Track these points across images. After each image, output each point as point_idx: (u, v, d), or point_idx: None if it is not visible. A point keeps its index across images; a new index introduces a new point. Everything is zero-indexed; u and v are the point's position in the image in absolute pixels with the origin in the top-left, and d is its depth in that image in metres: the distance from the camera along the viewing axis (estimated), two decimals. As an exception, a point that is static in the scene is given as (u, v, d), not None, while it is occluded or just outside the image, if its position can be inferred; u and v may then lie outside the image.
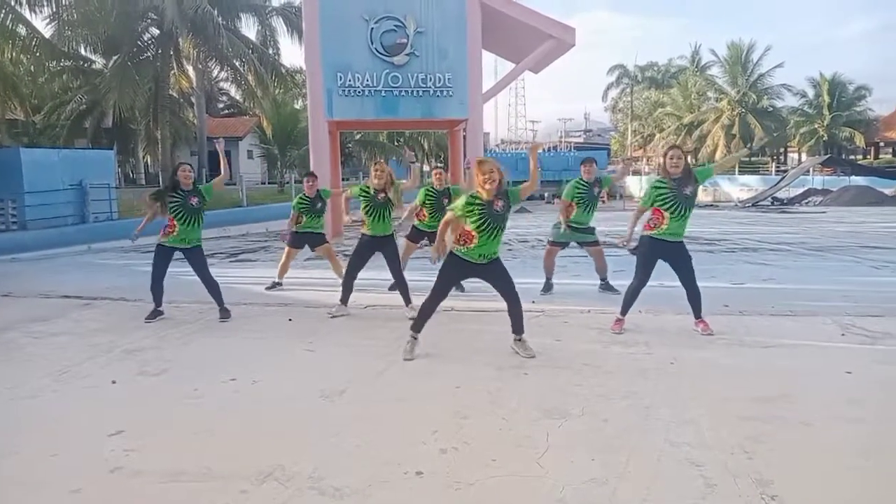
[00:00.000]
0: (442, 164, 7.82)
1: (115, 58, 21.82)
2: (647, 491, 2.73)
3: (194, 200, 5.99)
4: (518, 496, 2.74)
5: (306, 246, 7.88)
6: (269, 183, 34.33)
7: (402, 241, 7.44)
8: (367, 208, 6.12)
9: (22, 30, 18.37)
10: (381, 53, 12.62)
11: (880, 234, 14.12)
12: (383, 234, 6.18)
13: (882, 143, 46.15)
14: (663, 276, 5.60)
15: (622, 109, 58.00)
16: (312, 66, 12.89)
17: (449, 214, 4.69)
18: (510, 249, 11.76)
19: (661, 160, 5.43)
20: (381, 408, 3.80)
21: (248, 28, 24.94)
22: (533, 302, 6.53)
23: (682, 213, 5.21)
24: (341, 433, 3.40)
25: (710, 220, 19.41)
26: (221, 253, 11.63)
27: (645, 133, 54.12)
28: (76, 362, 4.73)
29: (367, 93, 12.73)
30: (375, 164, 6.39)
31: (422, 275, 7.04)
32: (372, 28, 12.54)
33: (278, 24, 24.62)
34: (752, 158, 45.86)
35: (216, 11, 21.51)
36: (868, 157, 45.67)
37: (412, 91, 12.79)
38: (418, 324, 4.82)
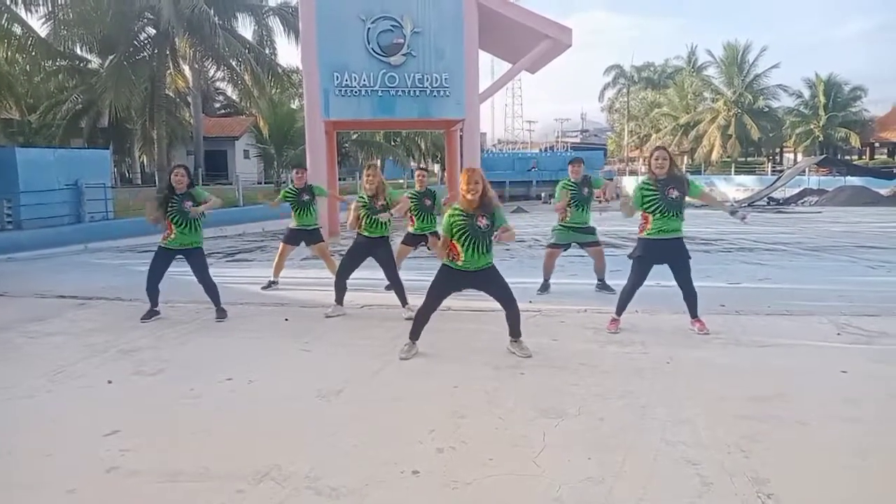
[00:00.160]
0: (424, 167, 7.82)
1: (111, 57, 21.75)
2: (644, 490, 2.73)
3: (187, 205, 5.97)
4: (514, 495, 2.74)
5: (302, 245, 7.88)
6: (265, 183, 34.26)
7: (396, 244, 7.44)
8: (364, 215, 6.14)
9: (17, 29, 18.31)
10: (377, 53, 12.61)
11: (876, 233, 14.16)
12: (379, 235, 6.17)
13: (877, 144, 46.30)
14: (660, 276, 5.61)
15: (619, 110, 58.07)
16: (309, 66, 12.88)
17: (443, 237, 4.67)
18: (507, 249, 11.76)
19: (648, 161, 5.42)
20: (378, 407, 3.80)
21: (245, 28, 24.90)
22: (530, 302, 6.54)
23: (666, 215, 5.19)
24: (338, 433, 3.40)
25: (706, 219, 19.42)
26: (218, 253, 11.61)
27: (641, 133, 54.19)
28: (72, 362, 4.72)
29: (363, 93, 12.73)
30: (368, 167, 6.39)
31: (417, 274, 7.04)
32: (369, 28, 12.54)
33: (275, 23, 24.57)
34: (749, 159, 45.99)
35: (212, 11, 21.45)
36: (863, 157, 45.85)
37: (409, 91, 12.79)
38: (415, 331, 4.83)
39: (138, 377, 4.41)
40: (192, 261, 6.12)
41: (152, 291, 6.09)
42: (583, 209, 6.97)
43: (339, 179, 25.18)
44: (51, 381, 4.31)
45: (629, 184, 37.35)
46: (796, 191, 30.27)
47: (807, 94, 43.94)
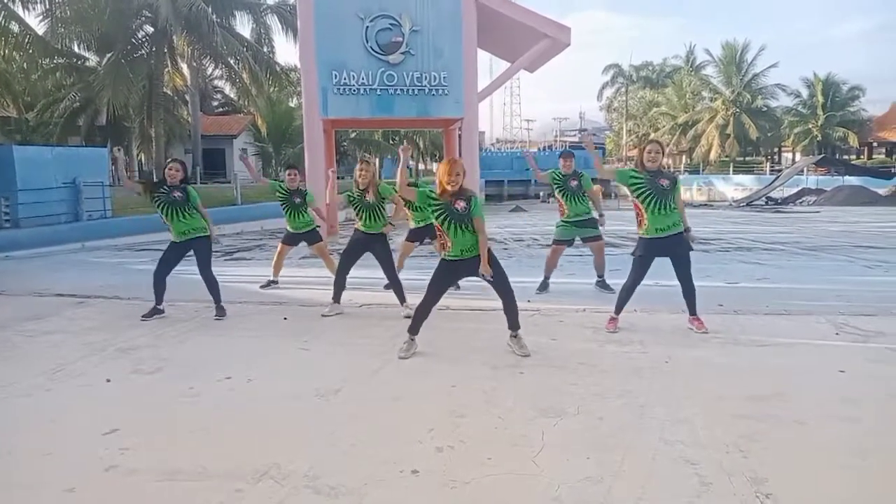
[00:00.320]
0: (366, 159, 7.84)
1: (108, 55, 21.74)
2: (642, 489, 2.74)
3: (177, 194, 5.96)
4: (513, 495, 2.74)
5: (301, 244, 7.87)
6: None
7: (400, 241, 7.45)
8: (357, 209, 6.15)
9: (15, 27, 18.28)
10: (376, 52, 12.62)
11: (874, 233, 14.19)
12: (375, 231, 6.18)
13: (875, 144, 46.41)
14: (659, 275, 5.61)
15: (617, 109, 58.11)
16: (307, 65, 12.88)
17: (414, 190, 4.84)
18: (506, 249, 11.77)
19: (639, 153, 5.37)
20: (377, 406, 3.80)
21: (243, 26, 24.89)
22: (528, 301, 6.54)
23: (660, 205, 5.16)
24: (337, 432, 3.40)
25: (704, 219, 19.46)
26: (216, 251, 11.55)
27: (640, 132, 54.21)
28: (70, 361, 4.71)
29: (362, 91, 12.73)
30: (361, 160, 6.39)
31: (417, 273, 7.04)
32: (367, 26, 12.54)
33: (273, 21, 24.56)
34: (747, 158, 46.04)
35: (210, 9, 21.43)
36: (862, 157, 45.94)
37: (407, 90, 12.80)
38: (414, 326, 4.83)
39: (137, 376, 4.41)
40: (196, 251, 6.10)
41: (159, 284, 6.07)
42: (576, 200, 6.95)
43: (338, 178, 25.15)
44: (49, 379, 4.30)
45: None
46: (794, 190, 30.36)
47: (805, 93, 44.03)
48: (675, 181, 5.31)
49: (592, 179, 7.29)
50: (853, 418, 3.52)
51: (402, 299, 6.12)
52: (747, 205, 28.54)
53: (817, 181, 32.13)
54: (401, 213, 6.96)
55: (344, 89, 12.68)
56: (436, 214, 4.61)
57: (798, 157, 44.05)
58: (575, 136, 72.77)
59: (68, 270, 9.52)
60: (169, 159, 6.32)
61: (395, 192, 7.17)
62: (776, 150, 50.30)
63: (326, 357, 4.92)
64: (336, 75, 12.60)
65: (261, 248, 12.15)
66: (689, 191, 35.57)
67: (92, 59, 23.82)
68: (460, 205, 4.53)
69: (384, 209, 6.26)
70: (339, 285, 6.25)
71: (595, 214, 7.05)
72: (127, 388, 4.17)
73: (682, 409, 3.63)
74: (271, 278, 7.70)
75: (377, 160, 35.92)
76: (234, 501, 2.67)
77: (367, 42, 12.56)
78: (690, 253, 5.39)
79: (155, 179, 7.15)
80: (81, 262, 10.59)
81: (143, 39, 22.42)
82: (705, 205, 30.21)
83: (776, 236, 13.84)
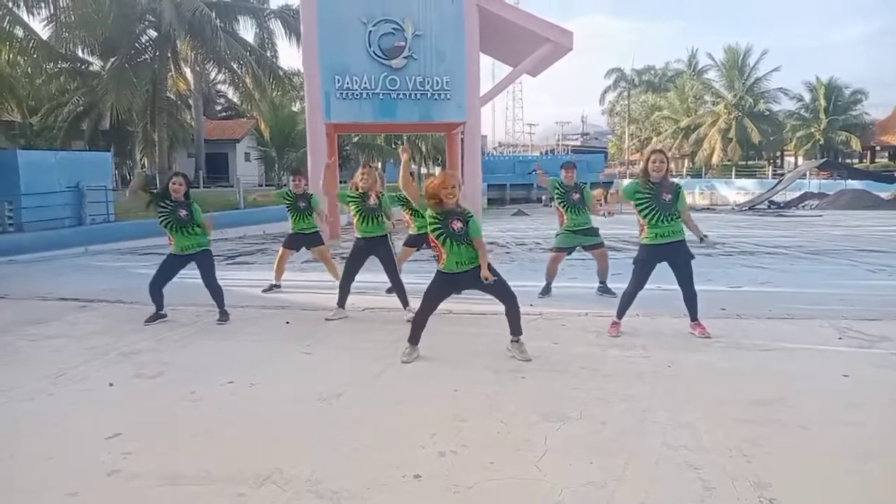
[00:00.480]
0: (432, 174, 7.87)
1: (112, 60, 21.81)
2: (646, 494, 2.73)
3: (182, 212, 5.97)
4: (516, 499, 2.74)
5: (303, 248, 7.88)
6: (266, 185, 34.31)
7: (399, 246, 7.43)
8: (357, 211, 6.14)
9: (19, 31, 18.37)
10: (378, 56, 12.63)
11: (877, 237, 14.16)
12: (375, 234, 6.16)
13: (878, 147, 46.35)
14: (661, 280, 5.61)
15: (619, 113, 58.12)
16: (310, 69, 12.90)
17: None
18: (508, 252, 11.77)
19: (644, 163, 5.37)
20: (380, 411, 3.80)
21: (246, 30, 24.96)
22: (531, 305, 6.53)
23: (660, 218, 5.18)
24: (339, 436, 3.39)
25: (706, 223, 19.41)
26: (219, 255, 11.58)
27: (642, 137, 54.26)
28: (73, 365, 4.72)
29: (364, 95, 12.75)
30: (364, 165, 6.39)
31: (417, 278, 7.04)
32: (370, 31, 12.56)
33: (276, 26, 24.63)
34: (749, 162, 46.01)
35: (214, 14, 21.52)
36: (864, 160, 45.87)
37: (410, 94, 12.81)
38: (414, 335, 4.83)
39: (139, 380, 4.41)
40: (199, 263, 6.11)
41: (156, 294, 6.08)
42: (578, 211, 6.95)
43: (340, 182, 25.17)
44: (52, 384, 4.31)
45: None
46: (797, 194, 30.31)
47: (807, 97, 44.00)
48: (677, 194, 5.26)
49: (592, 184, 7.28)
50: (857, 423, 3.51)
51: (405, 303, 6.12)
52: (750, 209, 28.50)
53: (820, 185, 32.10)
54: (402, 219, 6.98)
55: (347, 93, 12.70)
56: (432, 229, 4.58)
57: (800, 160, 44.00)
58: (577, 139, 72.83)
59: (71, 274, 9.54)
60: (172, 173, 6.32)
61: (401, 205, 7.22)
62: (778, 154, 50.26)
63: (329, 361, 4.92)
64: (339, 79, 12.62)
65: (263, 253, 12.16)
66: (692, 195, 35.48)
67: (96, 64, 23.90)
68: (457, 225, 4.51)
69: (383, 216, 6.23)
70: (345, 290, 6.25)
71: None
72: (129, 393, 4.17)
73: (685, 414, 3.62)
74: (273, 282, 7.71)
75: (380, 164, 35.98)
76: (236, 506, 2.67)
77: (370, 46, 12.59)
78: (692, 257, 5.38)
79: (156, 189, 7.12)
80: (84, 265, 10.61)
81: (147, 44, 22.51)
82: (708, 209, 30.18)
83: (779, 240, 13.81)
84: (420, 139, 37.44)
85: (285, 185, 7.64)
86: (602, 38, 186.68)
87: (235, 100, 33.92)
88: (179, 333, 5.71)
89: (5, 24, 17.60)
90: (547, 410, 3.70)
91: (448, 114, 13.11)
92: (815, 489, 2.80)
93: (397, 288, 6.18)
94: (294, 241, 7.70)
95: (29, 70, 20.94)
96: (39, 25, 20.03)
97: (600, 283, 7.22)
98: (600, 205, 7.12)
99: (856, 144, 42.52)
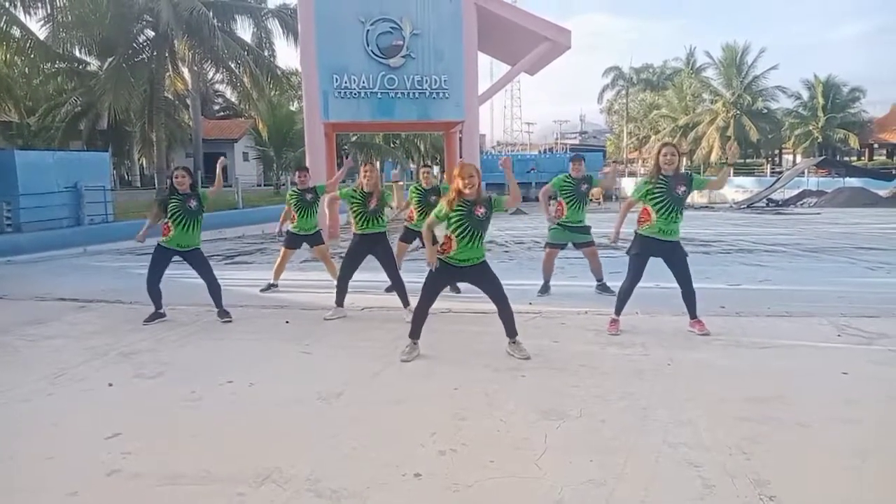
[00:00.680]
0: (429, 164, 7.93)
1: (110, 60, 21.74)
2: (645, 492, 2.73)
3: (192, 203, 5.99)
4: (516, 497, 2.74)
5: (303, 247, 7.88)
6: (264, 185, 34.33)
7: (394, 243, 7.43)
8: (357, 212, 6.13)
9: (16, 31, 18.30)
10: (376, 55, 12.62)
11: (875, 235, 14.17)
12: (374, 231, 6.17)
13: (876, 145, 46.39)
14: (660, 278, 5.61)
15: (618, 111, 58.11)
16: (308, 68, 12.89)
17: (431, 218, 4.69)
18: (506, 251, 11.77)
19: (655, 157, 5.40)
20: (379, 410, 3.80)
21: (244, 30, 24.87)
22: (530, 304, 6.54)
23: (671, 212, 5.20)
24: (339, 435, 3.39)
25: (705, 221, 19.44)
26: (217, 255, 11.60)
27: (640, 135, 54.24)
28: (72, 365, 4.71)
29: (362, 95, 12.73)
30: (365, 164, 6.39)
31: (417, 276, 7.03)
32: (368, 30, 12.55)
33: (274, 25, 24.55)
34: (748, 160, 46.03)
35: (211, 13, 21.44)
36: (862, 158, 45.92)
37: (408, 93, 12.80)
38: (414, 330, 4.84)
39: (139, 380, 4.41)
40: (192, 261, 6.11)
41: (153, 291, 6.08)
42: (578, 207, 6.99)
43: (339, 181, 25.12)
44: (51, 384, 4.31)
45: (628, 185, 37.40)
46: (795, 192, 30.31)
47: (805, 95, 44.02)
48: (691, 181, 5.30)
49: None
50: (856, 420, 3.51)
51: (405, 302, 6.11)
52: (748, 207, 28.49)
53: (818, 183, 32.10)
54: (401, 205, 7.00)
55: (345, 93, 12.69)
56: (454, 220, 4.54)
57: (799, 158, 44.02)
58: (576, 138, 72.81)
59: (70, 275, 9.53)
60: (174, 167, 6.31)
61: (416, 200, 7.26)
62: (777, 151, 50.29)
63: (328, 360, 4.92)
64: (337, 79, 12.61)
65: (262, 252, 12.16)
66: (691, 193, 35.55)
67: (93, 64, 23.81)
68: (480, 211, 4.54)
69: (383, 215, 6.25)
70: (342, 290, 6.25)
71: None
72: (129, 393, 4.17)
73: (685, 412, 3.63)
74: (271, 282, 7.70)
75: (378, 163, 35.96)
76: (236, 505, 2.67)
77: (368, 46, 12.58)
78: (689, 256, 5.39)
79: (157, 188, 7.08)
80: (83, 266, 10.60)
81: (145, 44, 22.43)
82: (706, 207, 30.19)
83: (777, 238, 13.82)
84: (418, 138, 37.47)
85: (284, 184, 7.63)
86: (601, 37, 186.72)
87: (233, 99, 33.90)
88: (178, 333, 5.70)
89: (2, 23, 17.52)
90: (546, 408, 3.70)
91: (446, 113, 13.10)
92: (814, 486, 2.81)
93: (397, 286, 6.18)
94: (294, 241, 7.70)
95: (26, 70, 20.85)
96: (36, 25, 19.95)
97: (598, 281, 7.23)
98: (598, 203, 7.15)
99: (854, 142, 42.56)
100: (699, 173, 36.30)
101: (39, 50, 19.14)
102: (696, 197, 36.24)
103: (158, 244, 6.09)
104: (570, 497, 2.70)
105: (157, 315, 6.09)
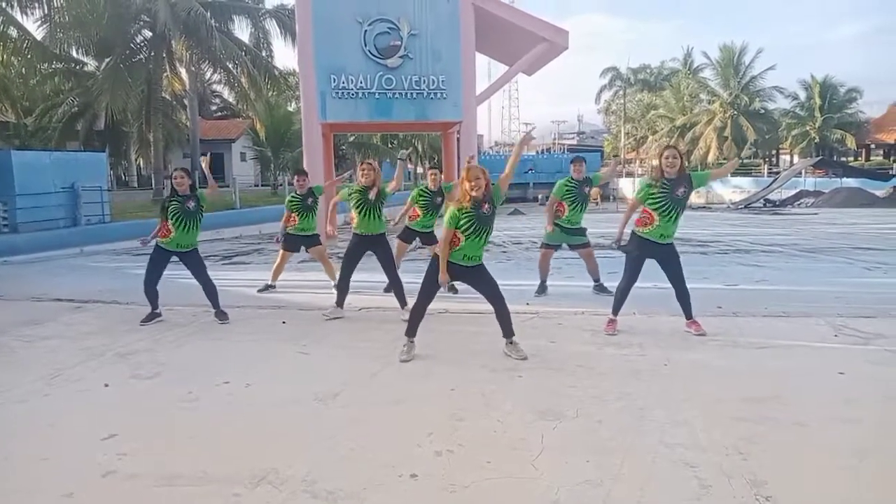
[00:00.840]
0: (437, 166, 7.91)
1: (107, 60, 21.71)
2: (642, 492, 2.73)
3: (191, 204, 5.98)
4: (513, 498, 2.74)
5: (301, 248, 7.86)
6: (262, 185, 34.23)
7: (394, 242, 7.43)
8: (359, 207, 6.14)
9: (13, 32, 18.27)
10: (374, 56, 12.61)
11: (872, 235, 14.20)
12: (374, 232, 6.17)
13: (873, 145, 46.46)
14: (657, 278, 5.62)
15: (615, 112, 58.09)
16: (305, 69, 12.87)
17: (446, 232, 4.68)
18: (504, 251, 11.77)
19: (657, 160, 5.42)
20: (376, 410, 3.79)
21: (241, 30, 24.84)
22: (527, 304, 6.54)
23: (672, 214, 5.22)
24: (336, 436, 3.39)
25: (702, 221, 19.47)
26: (215, 255, 11.59)
27: (638, 135, 54.25)
28: (68, 366, 4.70)
29: (360, 95, 12.71)
30: (364, 162, 6.40)
31: (415, 276, 7.03)
32: (365, 30, 12.53)
33: (271, 26, 24.51)
34: (745, 161, 46.06)
35: (209, 14, 21.41)
36: (859, 158, 45.99)
37: (406, 93, 12.79)
38: (411, 328, 4.84)
39: (135, 381, 4.40)
40: (189, 262, 6.11)
41: (151, 292, 6.07)
42: (579, 209, 7.00)
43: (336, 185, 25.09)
44: (47, 384, 4.29)
45: (626, 185, 37.46)
46: (792, 192, 30.37)
47: (802, 95, 44.04)
48: (690, 182, 5.31)
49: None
50: (853, 420, 3.52)
51: (402, 302, 6.10)
52: (745, 207, 28.56)
53: (815, 183, 32.16)
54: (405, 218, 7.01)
55: (342, 93, 12.67)
56: (465, 224, 4.56)
57: (796, 159, 44.08)
58: (573, 138, 72.83)
59: (66, 275, 9.51)
60: (174, 168, 6.30)
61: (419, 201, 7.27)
62: (774, 152, 50.34)
63: (326, 361, 4.91)
64: (334, 79, 12.60)
65: (259, 253, 12.15)
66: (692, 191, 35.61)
67: (90, 64, 23.78)
68: (486, 207, 4.58)
69: (382, 211, 6.26)
70: (343, 290, 6.25)
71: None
72: (125, 393, 4.16)
73: (682, 412, 3.63)
74: (269, 283, 7.69)
75: (376, 163, 35.90)
76: (232, 506, 2.67)
77: (366, 46, 12.56)
78: (685, 258, 5.40)
79: (154, 188, 7.07)
80: (80, 266, 10.58)
81: (142, 44, 22.39)
82: (703, 207, 30.23)
83: (774, 238, 13.84)
84: (416, 138, 37.44)
85: (281, 185, 7.63)
86: (599, 37, 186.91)
87: (231, 100, 33.84)
88: (175, 334, 5.69)
89: (-1, 24, 17.52)
90: (543, 409, 3.70)
91: (444, 113, 13.09)
92: (811, 486, 2.81)
93: (395, 286, 6.18)
94: (293, 243, 7.69)
95: (23, 70, 20.82)
96: (33, 25, 19.93)
97: (595, 282, 7.24)
98: (595, 203, 7.16)
99: (851, 142, 42.57)
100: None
101: (36, 50, 19.12)
102: (693, 197, 36.28)
103: (157, 245, 6.09)
104: (566, 497, 2.70)
105: (153, 315, 6.08)
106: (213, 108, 42.98)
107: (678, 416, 3.56)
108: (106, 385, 4.28)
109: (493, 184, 4.66)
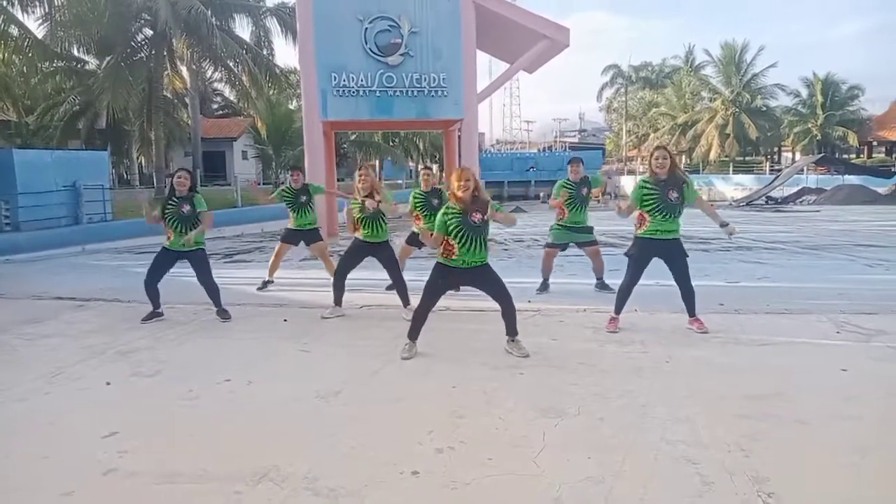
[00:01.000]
0: (429, 165, 7.87)
1: (108, 58, 21.71)
2: (644, 489, 2.72)
3: (185, 208, 5.95)
4: (514, 495, 2.73)
5: (301, 245, 7.85)
6: (263, 183, 34.21)
7: (399, 242, 7.42)
8: (361, 217, 6.08)
9: (14, 30, 18.29)
10: (375, 53, 12.61)
11: (874, 232, 14.17)
12: (378, 240, 6.11)
13: (875, 143, 46.39)
14: (659, 275, 5.60)
15: (617, 109, 58.04)
16: (307, 67, 12.88)
17: (436, 234, 4.66)
18: (506, 249, 11.76)
19: (648, 161, 5.40)
20: (377, 408, 3.79)
21: (242, 28, 24.83)
22: (529, 301, 6.53)
23: (664, 217, 5.19)
24: (337, 434, 3.38)
25: (704, 218, 19.41)
26: (216, 254, 11.59)
27: (639, 133, 54.20)
28: (69, 364, 4.70)
29: (361, 93, 12.72)
30: (360, 167, 6.33)
31: (418, 274, 7.02)
32: (366, 28, 12.54)
33: (272, 24, 24.50)
34: (747, 158, 46.02)
35: (210, 12, 21.40)
36: (861, 156, 45.90)
37: (407, 91, 12.79)
38: (413, 331, 4.83)
39: (136, 378, 4.40)
40: (193, 262, 6.10)
41: (151, 291, 6.06)
42: (580, 209, 6.99)
43: (338, 180, 25.15)
44: (48, 383, 4.29)
45: (627, 183, 37.38)
46: (794, 190, 30.31)
47: (804, 93, 43.98)
48: (683, 190, 5.20)
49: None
50: (855, 417, 3.50)
51: (405, 301, 6.07)
52: (747, 204, 28.49)
53: (817, 180, 32.11)
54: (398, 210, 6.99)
55: (343, 91, 12.68)
56: (450, 224, 4.54)
57: (798, 156, 44.00)
58: (575, 136, 72.80)
59: (68, 274, 9.51)
60: (177, 169, 6.30)
61: (417, 206, 7.23)
62: (776, 149, 50.26)
63: (327, 359, 4.90)
64: (335, 77, 12.60)
65: (260, 251, 12.14)
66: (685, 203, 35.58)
67: (91, 63, 23.77)
68: (477, 217, 4.51)
69: (385, 218, 6.16)
70: (339, 288, 6.22)
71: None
72: (126, 391, 4.16)
73: (684, 409, 3.62)
74: (267, 278, 7.67)
75: (377, 162, 35.90)
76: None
77: (367, 44, 12.56)
78: (686, 255, 5.37)
79: (155, 187, 7.09)
80: (81, 265, 10.59)
81: (143, 42, 22.39)
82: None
83: (776, 235, 13.82)
84: (417, 137, 37.42)
85: (283, 183, 7.62)
86: (600, 35, 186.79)
87: (232, 98, 33.80)
88: (176, 332, 5.69)
89: (0, 22, 17.52)
90: (545, 406, 3.70)
91: (445, 111, 13.09)
92: (813, 483, 2.80)
93: (399, 286, 6.12)
94: (293, 236, 7.67)
95: (24, 69, 20.83)
96: (34, 24, 19.93)
97: (598, 279, 7.23)
98: (598, 201, 7.13)
99: (853, 140, 42.52)
100: (698, 172, 36.21)
101: (37, 49, 19.12)
102: (695, 195, 36.20)
103: (163, 246, 6.10)
104: (568, 495, 2.69)
105: (154, 314, 6.08)
106: (215, 106, 43.02)
107: (680, 413, 3.55)
108: (107, 383, 4.28)
109: (490, 201, 4.55)
